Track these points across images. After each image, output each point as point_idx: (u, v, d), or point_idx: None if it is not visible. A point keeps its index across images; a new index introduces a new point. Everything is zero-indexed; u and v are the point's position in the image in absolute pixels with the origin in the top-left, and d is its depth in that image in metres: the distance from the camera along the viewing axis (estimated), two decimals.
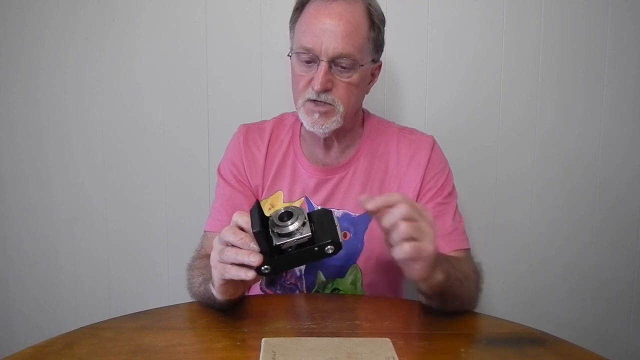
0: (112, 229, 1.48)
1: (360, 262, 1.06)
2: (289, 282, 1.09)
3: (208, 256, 0.84)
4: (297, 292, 1.09)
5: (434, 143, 1.10)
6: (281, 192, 1.10)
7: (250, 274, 0.75)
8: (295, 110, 1.09)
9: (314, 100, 1.00)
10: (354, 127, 1.10)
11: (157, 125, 1.44)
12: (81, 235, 1.48)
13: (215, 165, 1.17)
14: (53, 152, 1.45)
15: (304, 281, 1.08)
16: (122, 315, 0.91)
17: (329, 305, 0.96)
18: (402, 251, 0.76)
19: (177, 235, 1.46)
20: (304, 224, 0.75)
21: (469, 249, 1.05)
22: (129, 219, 1.47)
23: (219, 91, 1.42)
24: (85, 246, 1.49)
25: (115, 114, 1.44)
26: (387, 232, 0.78)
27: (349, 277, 1.08)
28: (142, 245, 1.48)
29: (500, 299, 1.47)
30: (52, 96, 1.43)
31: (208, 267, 0.84)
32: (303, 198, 1.09)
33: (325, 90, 0.99)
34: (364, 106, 1.13)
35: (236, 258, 0.76)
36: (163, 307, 0.94)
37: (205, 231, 1.09)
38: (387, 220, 0.77)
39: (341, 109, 1.00)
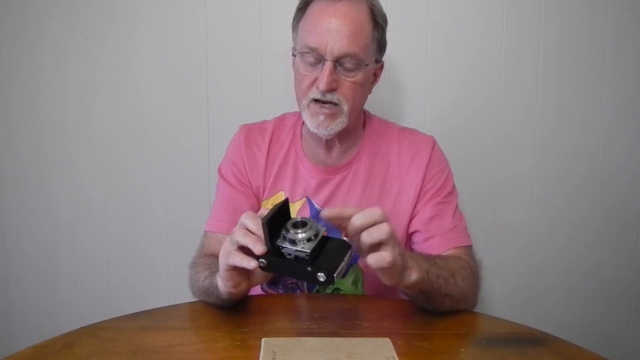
0: (112, 229, 1.48)
1: (362, 262, 1.06)
2: (290, 282, 1.09)
3: (212, 255, 0.84)
4: (299, 291, 1.09)
5: (435, 143, 1.11)
6: (282, 192, 1.10)
7: (252, 264, 0.76)
8: (296, 110, 1.09)
9: (319, 101, 1.00)
10: (356, 127, 1.10)
11: (157, 125, 1.44)
12: (81, 235, 1.48)
13: (215, 165, 1.17)
14: (53, 152, 1.45)
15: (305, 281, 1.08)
16: (122, 315, 0.91)
17: (329, 305, 0.96)
18: (369, 262, 0.77)
19: (177, 235, 1.46)
20: (309, 240, 0.75)
21: (469, 246, 1.05)
22: (129, 219, 1.47)
23: (219, 91, 1.42)
24: (85, 246, 1.48)
25: (115, 114, 1.44)
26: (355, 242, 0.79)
27: (350, 277, 1.08)
28: (142, 245, 1.48)
29: (500, 299, 1.47)
30: (52, 96, 1.43)
31: (216, 262, 0.84)
32: (304, 198, 1.09)
33: (331, 90, 0.99)
34: (364, 107, 1.13)
35: (244, 238, 0.77)
36: (163, 307, 0.94)
37: (205, 231, 1.09)
38: (350, 233, 0.78)
39: (346, 108, 1.00)
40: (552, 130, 1.44)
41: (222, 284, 0.83)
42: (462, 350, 0.80)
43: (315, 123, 1.01)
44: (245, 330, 0.86)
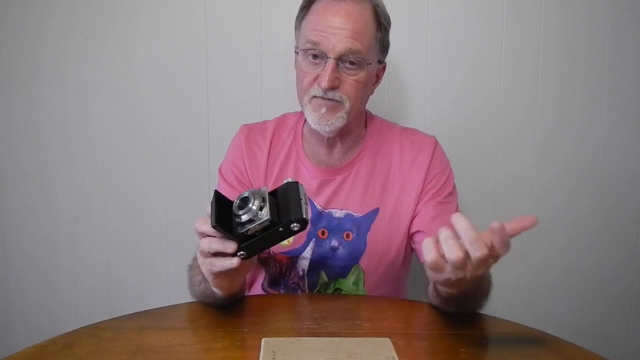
0: (112, 229, 1.48)
1: (363, 262, 1.06)
2: (292, 282, 1.09)
3: None
4: (299, 291, 1.09)
5: (436, 144, 1.11)
6: None
7: (234, 261, 0.76)
8: (296, 110, 1.09)
9: (320, 97, 1.00)
10: (357, 127, 1.10)
11: (157, 125, 1.44)
12: (81, 235, 1.48)
13: (215, 165, 1.17)
14: (53, 152, 1.45)
15: (306, 281, 1.08)
16: (122, 315, 0.91)
17: (329, 305, 0.96)
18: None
19: (177, 235, 1.46)
20: (261, 208, 0.74)
21: None
22: (129, 219, 1.47)
23: (219, 91, 1.42)
24: (85, 246, 1.48)
25: (115, 114, 1.44)
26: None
27: (351, 277, 1.08)
28: (142, 245, 1.48)
29: (500, 299, 1.46)
30: (52, 96, 1.43)
31: None
32: None
33: (332, 87, 0.99)
34: (366, 107, 1.13)
35: (210, 247, 0.77)
36: (163, 307, 0.94)
37: None
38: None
39: (347, 105, 1.00)
40: (552, 130, 1.43)
41: (217, 290, 0.85)
42: (462, 350, 0.80)
43: (317, 117, 1.01)
44: (245, 330, 0.86)
